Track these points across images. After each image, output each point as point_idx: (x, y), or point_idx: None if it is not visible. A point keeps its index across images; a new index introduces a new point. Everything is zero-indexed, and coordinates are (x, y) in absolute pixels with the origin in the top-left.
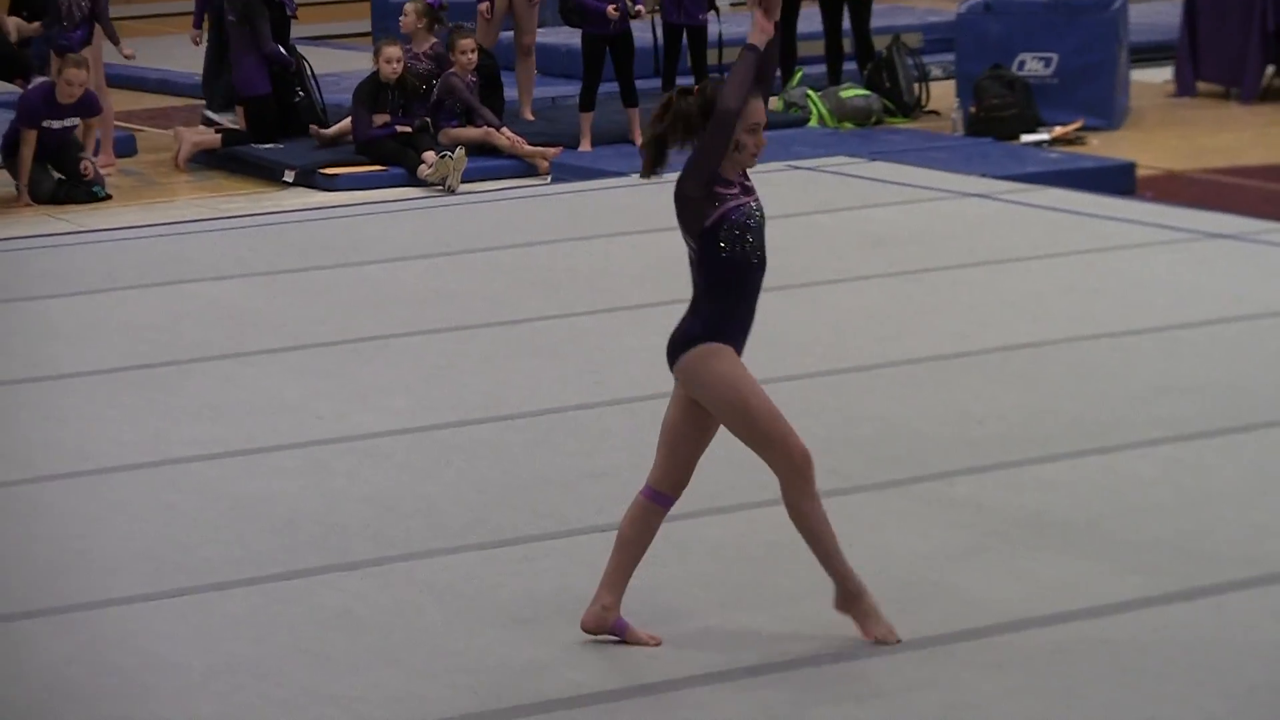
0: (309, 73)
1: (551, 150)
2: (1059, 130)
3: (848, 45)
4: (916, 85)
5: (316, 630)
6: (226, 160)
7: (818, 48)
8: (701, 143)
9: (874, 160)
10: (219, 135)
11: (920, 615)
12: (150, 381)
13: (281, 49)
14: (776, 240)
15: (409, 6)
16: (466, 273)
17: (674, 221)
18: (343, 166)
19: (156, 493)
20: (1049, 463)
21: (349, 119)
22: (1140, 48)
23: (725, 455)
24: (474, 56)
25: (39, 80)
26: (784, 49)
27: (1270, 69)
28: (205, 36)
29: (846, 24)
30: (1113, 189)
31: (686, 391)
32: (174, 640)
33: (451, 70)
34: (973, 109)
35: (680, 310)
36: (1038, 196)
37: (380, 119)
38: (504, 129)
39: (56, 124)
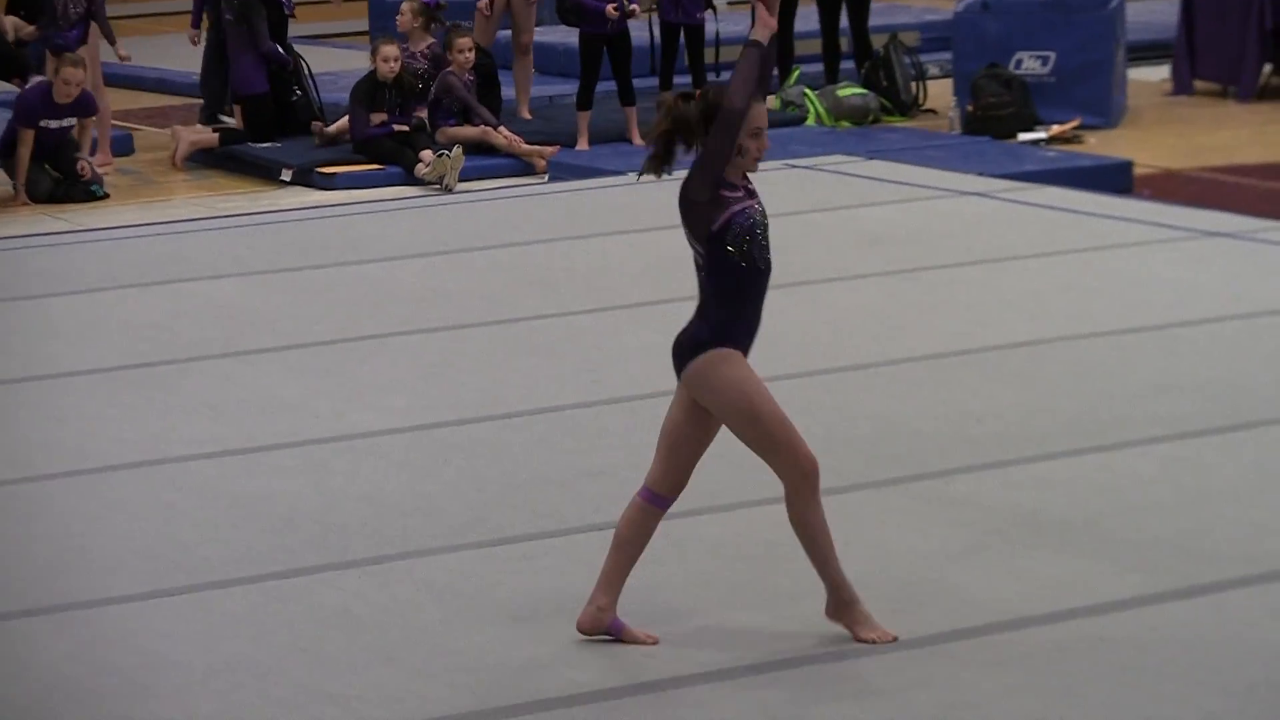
0: (306, 71)
1: (549, 149)
2: (1056, 129)
3: (845, 44)
4: (914, 84)
5: (315, 629)
6: (224, 159)
7: (815, 46)
8: (707, 145)
9: (871, 159)
10: (216, 134)
11: (918, 614)
12: (148, 380)
13: (279, 48)
14: (774, 239)
15: (405, 5)
16: (464, 271)
17: (671, 220)
18: (340, 165)
19: (155, 491)
20: (1047, 461)
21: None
22: (1138, 46)
23: (723, 454)
24: (471, 55)
25: (36, 79)
26: (781, 48)
27: (1268, 67)
28: (204, 36)
29: (844, 23)
30: (1110, 187)
31: (694, 397)
32: (173, 639)
33: (449, 69)
34: (970, 108)
35: (677, 308)
36: (1035, 195)
37: (378, 118)
38: (501, 128)
39: (54, 124)
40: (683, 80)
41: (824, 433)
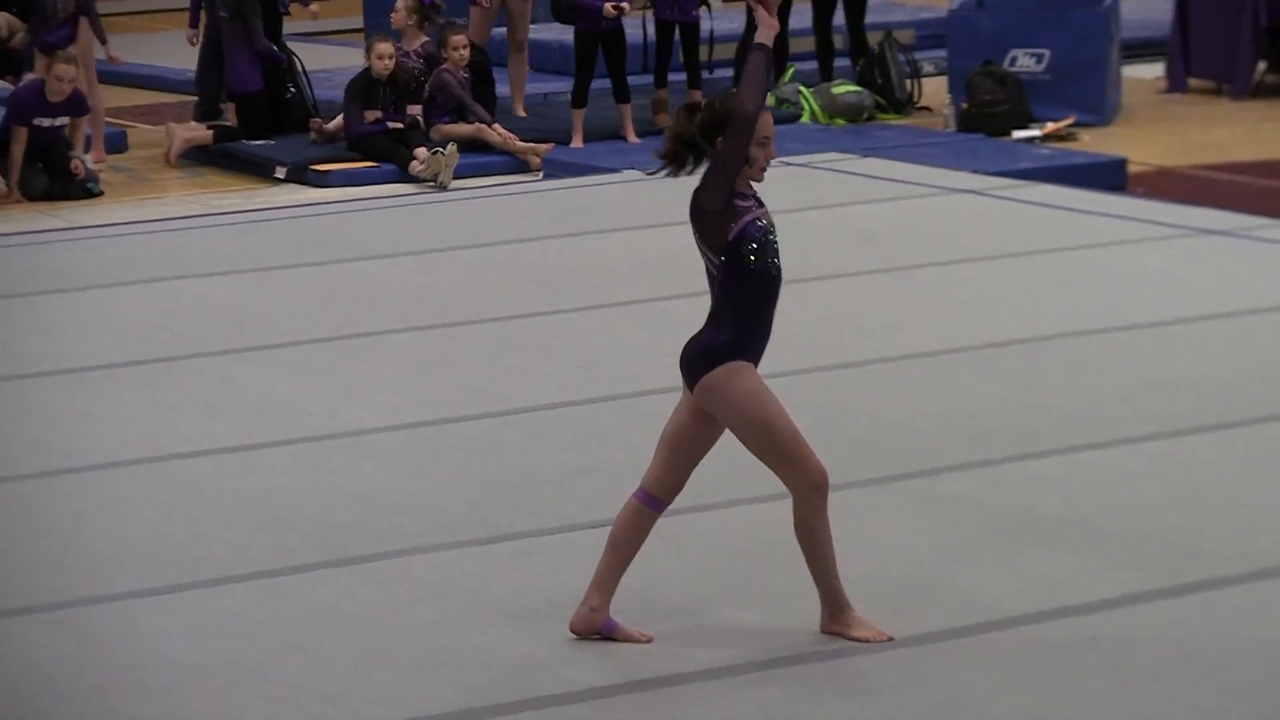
0: (300, 69)
1: (543, 146)
2: (1050, 126)
3: (839, 41)
4: (908, 81)
5: (310, 626)
6: (218, 156)
7: (809, 44)
8: (721, 152)
9: (866, 156)
10: (210, 131)
11: (912, 612)
12: (143, 378)
13: (274, 45)
14: None
15: (400, 3)
16: (458, 269)
17: (666, 217)
18: (334, 163)
19: (150, 489)
20: (1040, 458)
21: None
22: (1132, 44)
23: (720, 452)
24: (466, 53)
25: (29, 77)
26: (776, 45)
27: (1262, 65)
28: (201, 35)
29: (838, 20)
30: (1104, 185)
31: (704, 407)
32: (169, 636)
33: (444, 66)
34: (964, 105)
35: (672, 305)
36: (1029, 192)
37: (372, 115)
38: (496, 125)
39: (47, 122)
40: (677, 78)
41: (817, 430)
